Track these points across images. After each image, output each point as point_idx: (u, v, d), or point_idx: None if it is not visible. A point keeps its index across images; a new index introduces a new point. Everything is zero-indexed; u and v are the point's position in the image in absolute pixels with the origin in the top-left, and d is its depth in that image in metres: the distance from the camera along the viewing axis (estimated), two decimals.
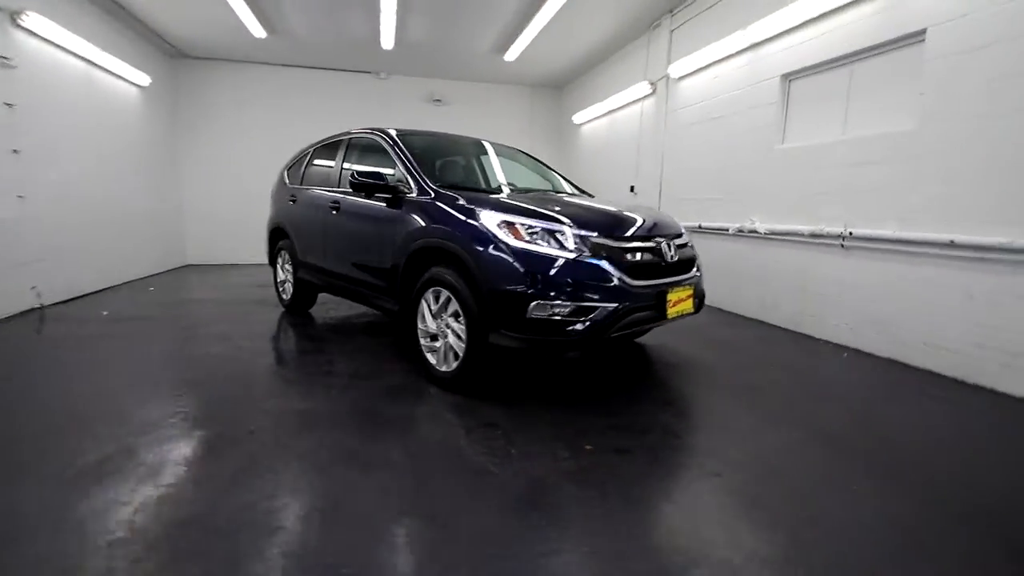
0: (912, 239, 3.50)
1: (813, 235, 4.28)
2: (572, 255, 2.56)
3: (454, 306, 2.82)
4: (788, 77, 4.62)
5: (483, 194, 3.12)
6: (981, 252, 3.13)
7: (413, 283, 3.14)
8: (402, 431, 2.45)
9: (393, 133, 3.73)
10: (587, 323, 2.54)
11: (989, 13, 3.06)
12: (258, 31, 6.72)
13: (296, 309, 4.95)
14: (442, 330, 2.94)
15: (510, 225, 2.63)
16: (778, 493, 1.99)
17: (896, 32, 3.60)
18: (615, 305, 2.56)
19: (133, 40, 6.86)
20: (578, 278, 2.53)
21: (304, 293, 4.80)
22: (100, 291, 5.90)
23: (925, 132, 3.46)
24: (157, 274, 7.45)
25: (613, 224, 2.80)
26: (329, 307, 5.28)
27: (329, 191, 4.15)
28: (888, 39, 3.67)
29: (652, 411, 2.78)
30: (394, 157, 3.53)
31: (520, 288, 2.50)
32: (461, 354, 2.81)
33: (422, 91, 9.32)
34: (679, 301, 2.84)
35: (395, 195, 3.31)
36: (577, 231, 2.63)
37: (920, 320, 3.52)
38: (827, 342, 4.20)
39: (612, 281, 2.59)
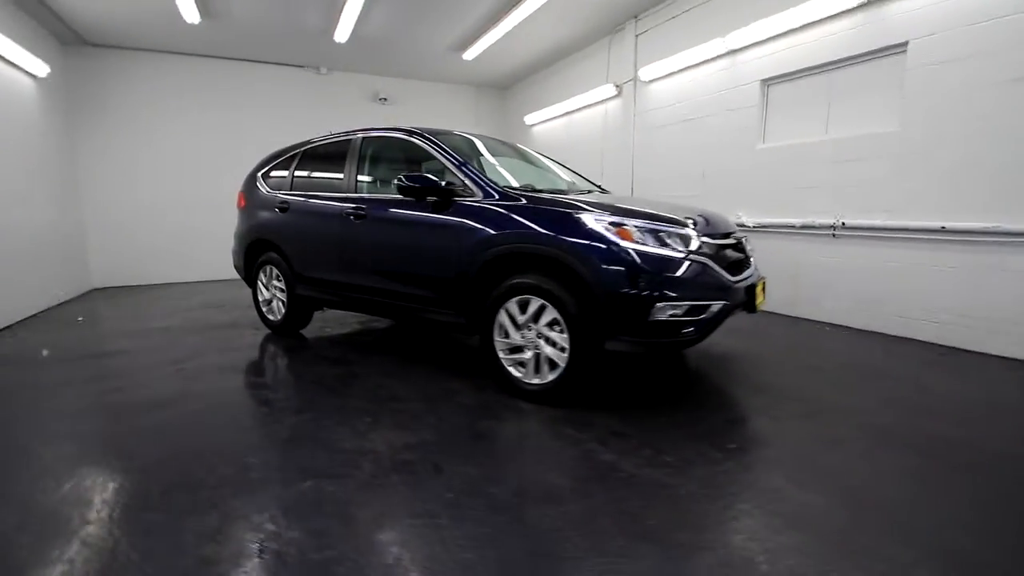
0: (905, 226, 3.99)
1: (804, 227, 4.71)
2: (683, 254, 2.56)
3: (550, 315, 2.68)
4: (767, 82, 5.03)
5: (551, 195, 2.99)
6: (967, 236, 3.65)
7: (486, 293, 2.95)
8: (539, 455, 2.28)
9: (428, 134, 3.46)
10: (700, 322, 2.55)
11: (966, 30, 3.57)
12: (192, 15, 5.84)
13: (287, 330, 4.39)
14: (532, 341, 2.78)
15: (619, 227, 2.55)
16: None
17: (878, 43, 4.07)
18: (723, 303, 2.60)
19: (25, 23, 5.64)
20: (692, 278, 2.53)
21: (300, 312, 4.28)
22: None
23: (908, 133, 3.95)
24: (64, 303, 6.21)
25: (706, 222, 2.84)
26: (322, 325, 4.77)
27: (342, 197, 3.74)
28: (870, 49, 4.14)
29: (743, 400, 2.88)
30: (443, 159, 3.26)
31: (642, 291, 2.44)
32: (563, 364, 2.68)
33: (366, 89, 8.77)
34: (759, 294, 2.96)
35: (448, 199, 3.08)
36: (684, 231, 2.63)
37: (912, 297, 4.02)
38: (822, 323, 4.66)
39: (718, 279, 2.63)
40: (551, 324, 2.69)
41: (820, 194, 4.60)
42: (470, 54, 7.50)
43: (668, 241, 2.57)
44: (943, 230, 3.76)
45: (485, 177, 3.07)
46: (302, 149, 4.35)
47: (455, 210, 3.05)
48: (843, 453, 2.26)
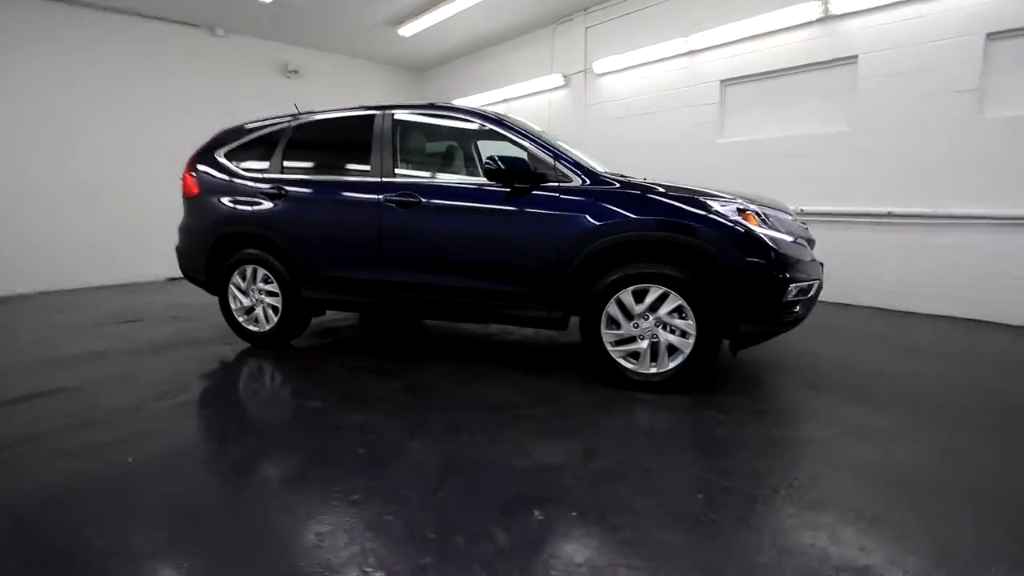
0: (857, 212, 4.75)
1: None
2: (794, 237, 2.72)
3: (674, 302, 2.64)
4: (726, 83, 5.55)
5: (644, 183, 2.91)
6: (908, 219, 4.50)
7: (588, 284, 2.79)
8: (722, 440, 2.24)
9: (493, 113, 3.13)
10: (808, 301, 2.74)
11: (910, 49, 4.35)
12: None
13: (277, 341, 3.63)
14: (647, 331, 2.72)
15: (744, 212, 2.61)
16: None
17: (832, 55, 4.76)
18: (820, 280, 2.83)
19: None
20: (805, 259, 2.71)
21: (300, 318, 3.58)
22: None
23: (857, 133, 4.71)
24: None
25: (785, 207, 3.04)
26: (308, 334, 4.05)
27: (376, 183, 3.19)
28: (824, 60, 4.82)
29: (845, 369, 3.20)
30: (524, 142, 2.96)
31: (779, 273, 2.54)
32: (686, 351, 2.67)
33: (272, 58, 7.57)
34: None
35: (535, 185, 2.84)
36: (788, 215, 2.78)
37: (860, 271, 4.83)
38: None
39: (813, 259, 2.85)
40: (675, 312, 2.66)
41: (776, 184, 5.23)
42: (408, 30, 6.93)
43: (779, 225, 2.71)
44: (889, 215, 4.58)
45: (581, 162, 2.89)
46: (291, 124, 3.61)
47: (548, 197, 2.83)
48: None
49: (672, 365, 2.71)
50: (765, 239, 2.55)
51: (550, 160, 2.89)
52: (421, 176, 3.27)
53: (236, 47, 7.20)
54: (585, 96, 6.83)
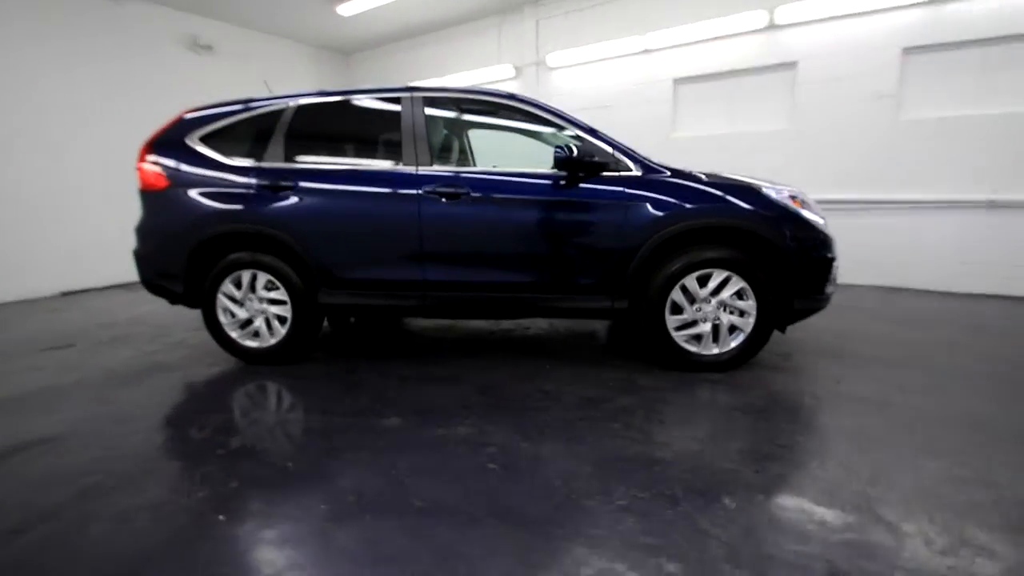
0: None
1: None
2: (824, 220, 3.01)
3: (736, 285, 2.79)
4: (679, 81, 5.93)
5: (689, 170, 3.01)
6: (840, 204, 5.21)
7: (651, 272, 2.84)
8: (834, 406, 2.45)
9: (533, 98, 2.99)
10: (836, 279, 3.07)
11: (840, 57, 5.02)
12: None
13: (282, 356, 3.14)
14: (710, 313, 2.84)
15: (794, 198, 2.83)
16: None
17: (775, 60, 5.32)
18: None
19: None
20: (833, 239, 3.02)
21: (312, 329, 3.14)
22: None
23: (797, 130, 5.34)
24: None
25: None
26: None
27: (414, 174, 2.91)
28: (768, 64, 5.37)
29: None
30: (578, 130, 2.90)
31: (826, 254, 2.80)
32: (747, 331, 2.84)
33: (179, 30, 6.46)
34: None
35: (595, 174, 2.81)
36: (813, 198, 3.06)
37: None
38: None
39: None
40: (738, 295, 2.81)
41: None
42: (349, 8, 6.36)
43: (815, 209, 2.99)
44: (825, 201, 5.27)
45: (635, 151, 2.91)
46: (290, 107, 3.13)
47: (612, 185, 2.82)
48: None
49: (734, 344, 2.87)
50: (814, 223, 2.81)
51: (608, 149, 2.88)
52: (463, 165, 3.04)
53: (138, 15, 6.03)
54: (538, 88, 6.86)
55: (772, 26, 5.24)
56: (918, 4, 4.57)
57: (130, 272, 6.90)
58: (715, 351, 2.89)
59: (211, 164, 3.10)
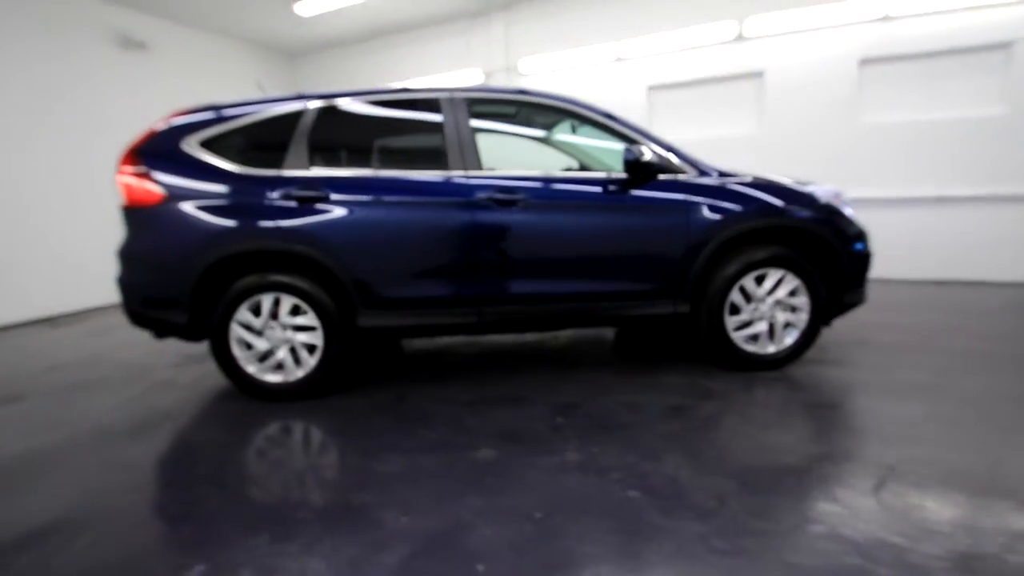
0: None
1: None
2: None
3: (791, 283, 2.84)
4: (653, 88, 6.09)
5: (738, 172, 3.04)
6: None
7: (712, 275, 2.82)
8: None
9: (583, 100, 2.89)
10: None
11: (804, 67, 5.39)
12: None
13: (311, 391, 2.75)
14: (766, 312, 2.87)
15: (837, 196, 2.94)
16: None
17: (743, 70, 5.62)
18: None
19: None
20: None
21: (346, 357, 2.78)
22: None
23: (764, 135, 5.67)
24: None
25: None
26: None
27: (463, 181, 2.68)
28: (737, 73, 5.67)
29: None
30: (633, 133, 2.82)
31: (867, 249, 2.93)
32: (800, 328, 2.90)
33: (107, 24, 5.60)
34: None
35: (651, 177, 2.76)
36: None
37: None
38: None
39: None
40: (792, 293, 2.86)
41: None
42: (307, 9, 5.87)
43: (850, 207, 3.13)
44: None
45: (689, 154, 2.88)
46: (308, 108, 2.77)
47: (672, 188, 2.78)
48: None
49: (789, 342, 2.93)
50: (855, 220, 2.95)
51: (664, 151, 2.84)
52: (512, 170, 2.84)
53: (55, 6, 5.15)
54: None
55: (741, 38, 5.54)
56: (872, 21, 5.04)
57: (52, 304, 6.07)
58: (771, 349, 2.94)
59: (219, 174, 2.67)
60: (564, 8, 6.30)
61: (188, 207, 2.63)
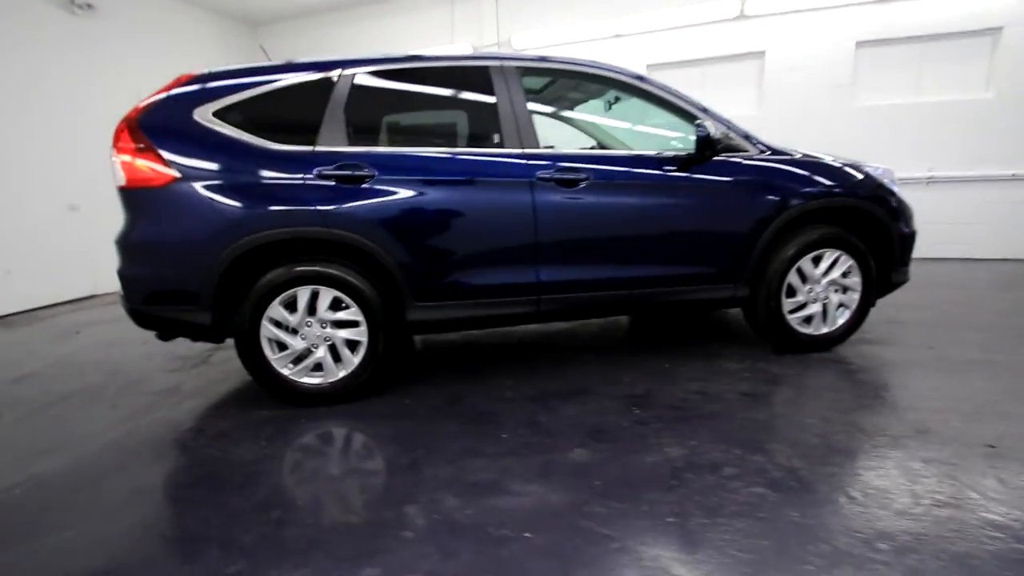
0: None
1: None
2: None
3: (845, 264, 2.80)
4: (652, 67, 5.96)
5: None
6: None
7: (770, 256, 2.74)
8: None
9: (636, 71, 2.72)
10: None
11: (803, 49, 5.42)
12: None
13: (351, 393, 2.47)
14: (820, 293, 2.83)
15: (888, 176, 2.91)
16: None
17: (744, 49, 5.60)
18: None
19: None
20: None
21: (392, 354, 2.51)
22: None
23: (763, 116, 5.68)
24: None
25: None
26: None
27: (520, 155, 2.45)
28: (738, 52, 5.63)
29: None
30: (692, 108, 2.66)
31: (913, 229, 2.93)
32: (852, 308, 2.88)
33: None
34: None
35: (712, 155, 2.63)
36: None
37: None
38: None
39: None
40: (845, 274, 2.83)
41: None
42: None
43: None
44: None
45: (748, 131, 2.77)
46: (343, 75, 2.43)
47: (734, 167, 2.67)
48: None
49: (841, 322, 2.91)
50: (903, 199, 2.94)
51: (724, 128, 2.71)
52: (572, 146, 2.64)
53: None
54: None
55: (742, 16, 5.51)
56: (869, 2, 5.12)
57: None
58: (824, 330, 2.91)
59: (243, 150, 2.31)
60: None
61: (208, 188, 2.26)
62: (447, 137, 2.75)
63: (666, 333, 3.46)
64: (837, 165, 2.85)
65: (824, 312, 2.88)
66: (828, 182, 2.77)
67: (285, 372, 2.43)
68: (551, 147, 2.57)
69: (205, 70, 2.44)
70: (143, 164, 2.26)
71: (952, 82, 5.04)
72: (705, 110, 2.75)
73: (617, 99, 3.33)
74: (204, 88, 2.38)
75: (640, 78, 2.77)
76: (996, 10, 4.76)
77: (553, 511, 1.65)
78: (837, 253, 2.81)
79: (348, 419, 2.38)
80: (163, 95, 2.35)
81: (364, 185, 2.34)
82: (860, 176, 2.83)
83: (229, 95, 2.37)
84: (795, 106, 5.60)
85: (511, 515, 1.64)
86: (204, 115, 2.32)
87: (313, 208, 2.29)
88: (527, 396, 2.53)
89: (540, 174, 2.46)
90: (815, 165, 2.81)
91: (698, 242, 2.69)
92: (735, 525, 1.55)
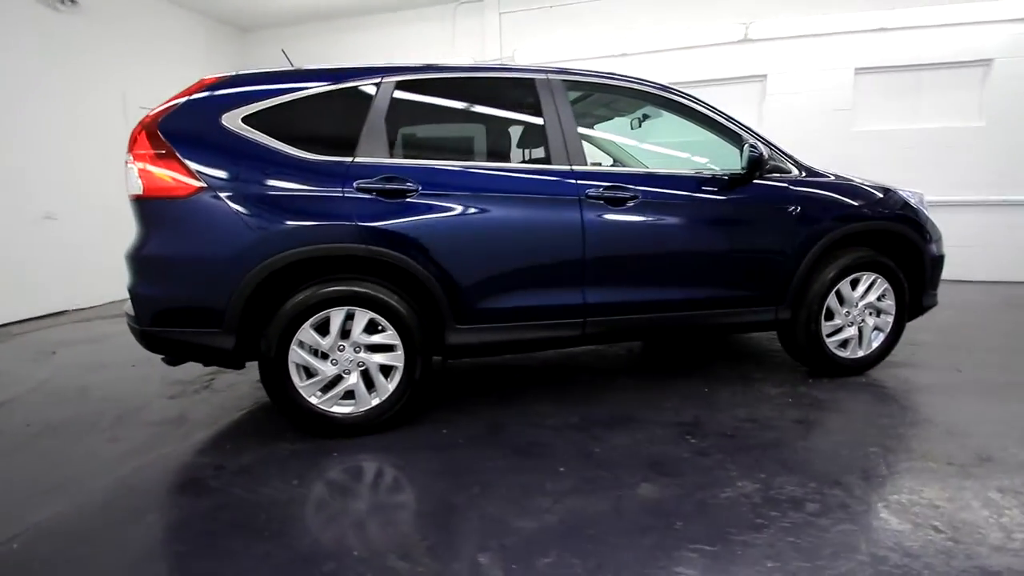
0: None
1: None
2: None
3: (881, 287, 2.79)
4: None
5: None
6: None
7: (811, 279, 2.71)
8: None
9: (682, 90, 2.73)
10: None
11: (804, 73, 5.54)
12: None
13: (382, 423, 2.27)
14: (856, 317, 2.81)
15: (921, 200, 2.93)
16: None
17: (748, 72, 5.70)
18: None
19: None
20: None
21: (428, 380, 2.33)
22: None
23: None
24: None
25: None
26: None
27: (567, 172, 2.35)
28: (740, 75, 5.73)
29: None
30: (736, 127, 2.62)
31: (943, 253, 2.95)
32: (886, 331, 2.86)
33: None
34: None
35: (759, 176, 2.59)
36: None
37: None
38: None
39: None
40: (880, 297, 2.83)
41: None
42: None
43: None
44: None
45: (788, 152, 2.74)
46: (384, 81, 2.29)
47: (778, 188, 2.65)
48: None
49: (876, 345, 2.90)
50: (934, 223, 2.96)
51: (767, 149, 2.68)
52: (617, 163, 2.56)
53: None
54: None
55: (746, 39, 5.62)
56: (867, 31, 5.29)
57: None
58: (860, 354, 2.88)
59: (276, 158, 2.14)
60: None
61: (237, 199, 2.07)
62: (492, 152, 2.63)
63: (685, 354, 3.39)
64: (874, 188, 2.85)
65: (860, 335, 2.87)
66: (868, 205, 2.77)
67: (313, 400, 2.23)
68: (598, 164, 2.48)
69: (231, 72, 2.27)
70: (163, 172, 2.06)
71: (947, 110, 5.24)
72: (751, 131, 2.72)
73: (646, 116, 3.30)
74: (232, 92, 2.20)
75: (688, 96, 2.73)
76: (987, 44, 4.99)
77: (643, 558, 1.52)
78: (874, 276, 2.80)
79: (384, 452, 2.20)
80: (185, 98, 2.16)
81: (408, 199, 2.19)
82: (896, 199, 2.85)
83: (259, 100, 2.20)
84: (794, 129, 5.70)
85: (600, 564, 1.50)
86: (233, 121, 2.14)
87: (353, 223, 2.13)
88: (571, 424, 2.40)
89: (589, 192, 2.36)
90: (853, 188, 2.81)
91: (743, 263, 2.64)
92: (839, 568, 1.45)
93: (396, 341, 2.25)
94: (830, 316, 2.79)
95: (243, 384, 3.01)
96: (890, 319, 2.87)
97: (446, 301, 2.26)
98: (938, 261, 2.95)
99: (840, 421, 2.40)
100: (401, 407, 2.30)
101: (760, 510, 1.73)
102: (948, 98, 5.23)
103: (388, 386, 2.28)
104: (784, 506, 1.74)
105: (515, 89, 2.50)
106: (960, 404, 2.56)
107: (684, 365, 3.21)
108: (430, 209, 2.22)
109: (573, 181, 2.36)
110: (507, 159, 2.59)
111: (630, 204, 2.41)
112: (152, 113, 2.15)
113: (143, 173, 2.06)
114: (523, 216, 2.33)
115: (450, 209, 2.24)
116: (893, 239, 2.85)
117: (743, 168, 2.48)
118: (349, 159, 2.20)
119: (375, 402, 2.28)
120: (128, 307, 2.22)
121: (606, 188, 2.38)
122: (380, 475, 2.05)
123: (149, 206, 2.09)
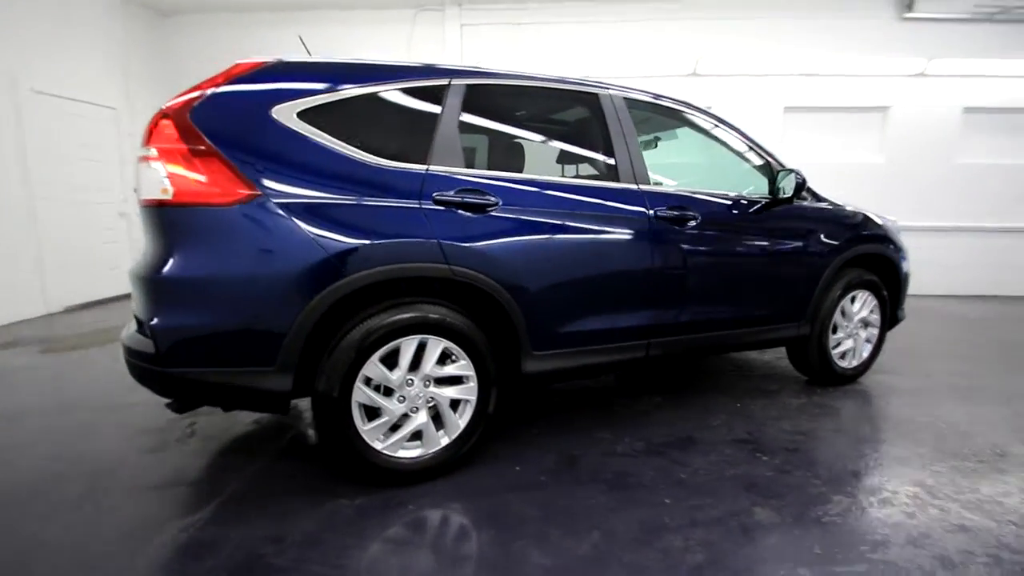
0: None
1: None
2: None
3: (872, 303, 3.11)
4: None
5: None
6: None
7: (824, 297, 2.93)
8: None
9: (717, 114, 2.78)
10: None
11: (741, 107, 6.10)
12: None
13: (449, 464, 2.01)
14: (852, 330, 3.09)
15: (895, 225, 3.31)
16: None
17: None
18: None
19: None
20: None
21: (499, 413, 2.11)
22: None
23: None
24: None
25: None
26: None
27: (636, 192, 2.32)
28: None
29: None
30: (763, 152, 2.76)
31: (909, 272, 3.36)
32: (872, 343, 3.19)
33: None
34: None
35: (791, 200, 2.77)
36: None
37: None
38: None
39: None
40: (872, 310, 3.15)
41: None
42: None
43: None
44: None
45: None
46: (453, 84, 2.06)
47: (799, 211, 2.87)
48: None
49: (866, 356, 3.22)
50: (904, 244, 3.38)
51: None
52: (655, 182, 2.52)
53: None
54: None
55: (695, 74, 6.07)
56: (793, 75, 5.99)
57: None
58: (855, 364, 3.19)
59: (342, 163, 1.82)
60: (524, 18, 6.10)
61: (296, 210, 1.73)
62: (556, 166, 2.51)
63: (686, 371, 3.51)
64: (871, 215, 3.20)
65: (854, 347, 3.18)
66: (866, 228, 3.10)
67: (377, 445, 1.92)
68: (660, 183, 2.47)
69: (275, 59, 1.92)
70: (202, 175, 1.66)
71: (857, 147, 6.10)
72: (774, 156, 2.90)
73: (658, 139, 3.39)
74: (282, 83, 1.85)
75: (723, 120, 2.84)
76: (886, 93, 5.91)
77: None
78: (867, 293, 3.12)
79: (465, 499, 1.94)
80: (223, 87, 1.77)
81: (489, 214, 1.99)
82: (883, 225, 3.21)
83: (315, 95, 1.87)
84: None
85: None
86: (287, 116, 1.80)
87: (435, 240, 1.88)
88: (639, 450, 2.33)
89: (658, 211, 2.34)
90: (855, 212, 3.12)
91: (783, 282, 2.81)
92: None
93: (470, 372, 2.02)
94: (835, 330, 3.06)
95: (234, 427, 2.53)
96: (876, 331, 3.23)
97: (525, 325, 2.09)
98: (905, 279, 3.38)
99: (867, 429, 2.59)
100: (471, 446, 2.07)
101: (869, 524, 1.80)
102: (858, 138, 6.11)
103: (459, 423, 2.04)
104: (884, 514, 1.83)
105: (579, 102, 2.42)
106: (949, 405, 2.88)
107: (694, 381, 3.29)
108: (511, 225, 2.04)
109: (643, 200, 2.33)
110: (570, 174, 2.49)
111: (691, 224, 2.44)
112: (177, 102, 1.73)
113: (174, 176, 1.64)
114: (604, 234, 2.24)
115: (530, 225, 2.08)
116: (879, 260, 3.21)
117: (789, 191, 2.64)
118: (423, 168, 1.95)
119: (444, 442, 2.03)
120: (134, 341, 1.74)
121: (671, 208, 2.39)
122: (479, 528, 1.79)
123: (179, 215, 1.67)
